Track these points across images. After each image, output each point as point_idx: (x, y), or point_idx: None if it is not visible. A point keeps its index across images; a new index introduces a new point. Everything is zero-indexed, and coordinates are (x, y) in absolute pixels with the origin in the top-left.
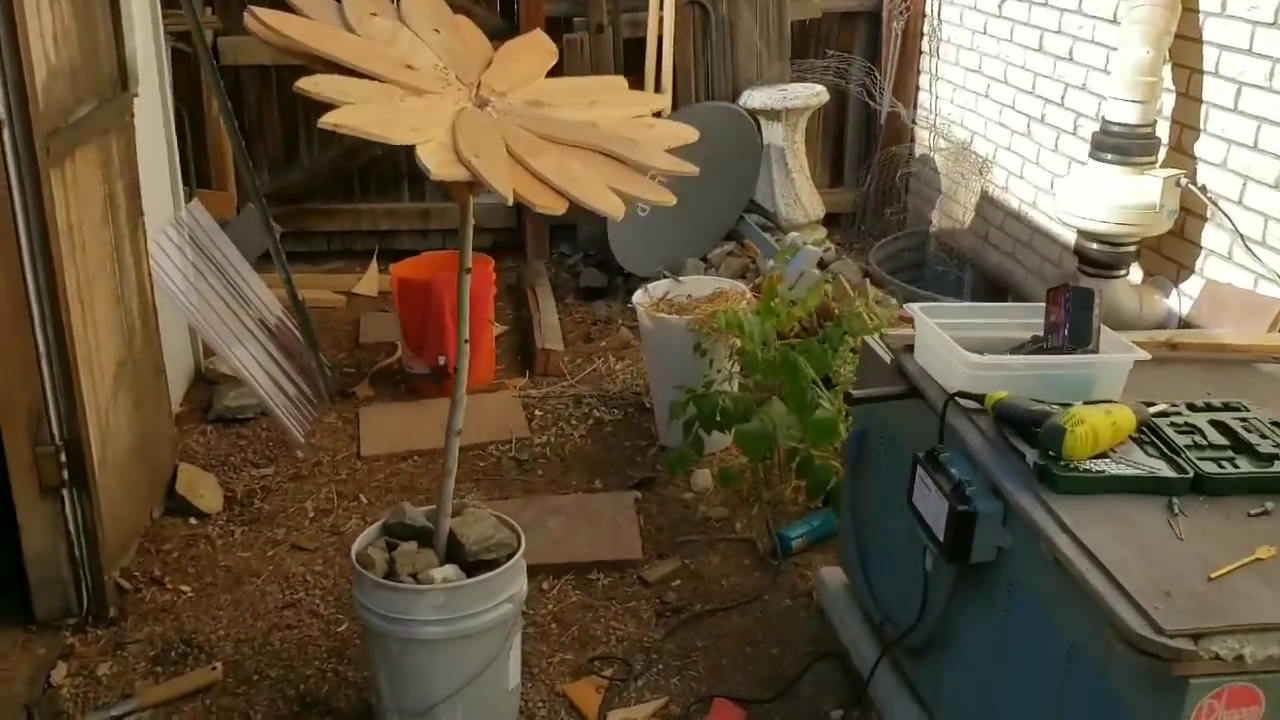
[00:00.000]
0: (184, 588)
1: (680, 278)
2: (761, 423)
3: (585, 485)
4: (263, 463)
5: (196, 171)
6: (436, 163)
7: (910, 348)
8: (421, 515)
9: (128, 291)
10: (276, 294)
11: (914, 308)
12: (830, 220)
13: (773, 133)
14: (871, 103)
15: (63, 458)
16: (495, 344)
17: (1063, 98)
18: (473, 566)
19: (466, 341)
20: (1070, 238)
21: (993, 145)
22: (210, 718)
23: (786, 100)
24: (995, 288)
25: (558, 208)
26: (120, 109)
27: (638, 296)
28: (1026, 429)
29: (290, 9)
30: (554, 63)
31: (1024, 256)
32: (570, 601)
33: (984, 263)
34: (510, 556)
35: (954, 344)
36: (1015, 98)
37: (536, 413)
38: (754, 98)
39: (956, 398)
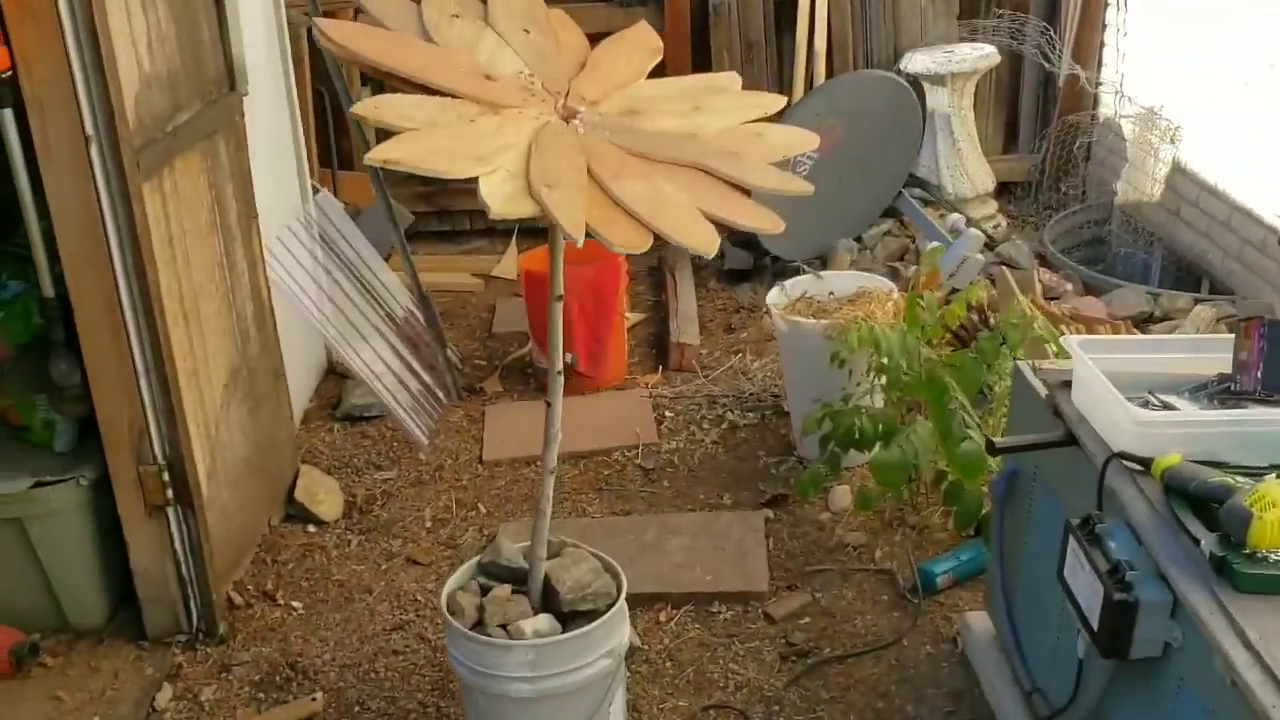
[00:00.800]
0: (295, 604)
1: (821, 273)
2: (901, 451)
3: (713, 500)
4: (386, 465)
5: (339, 152)
6: (500, 198)
7: (1068, 384)
8: (519, 553)
9: (240, 296)
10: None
11: (1072, 343)
12: (1003, 190)
13: (937, 98)
14: (1047, 64)
15: (166, 476)
16: (629, 335)
17: None
18: (569, 616)
19: (560, 373)
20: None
21: (1187, 110)
22: None
23: (952, 63)
24: (1187, 272)
25: (638, 245)
26: (228, 110)
27: (773, 296)
28: (1203, 506)
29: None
30: (657, 61)
31: (1221, 237)
32: (688, 637)
33: (1175, 242)
34: (610, 606)
35: (1118, 395)
36: (1218, 56)
37: (667, 414)
38: (917, 61)
39: (1118, 458)
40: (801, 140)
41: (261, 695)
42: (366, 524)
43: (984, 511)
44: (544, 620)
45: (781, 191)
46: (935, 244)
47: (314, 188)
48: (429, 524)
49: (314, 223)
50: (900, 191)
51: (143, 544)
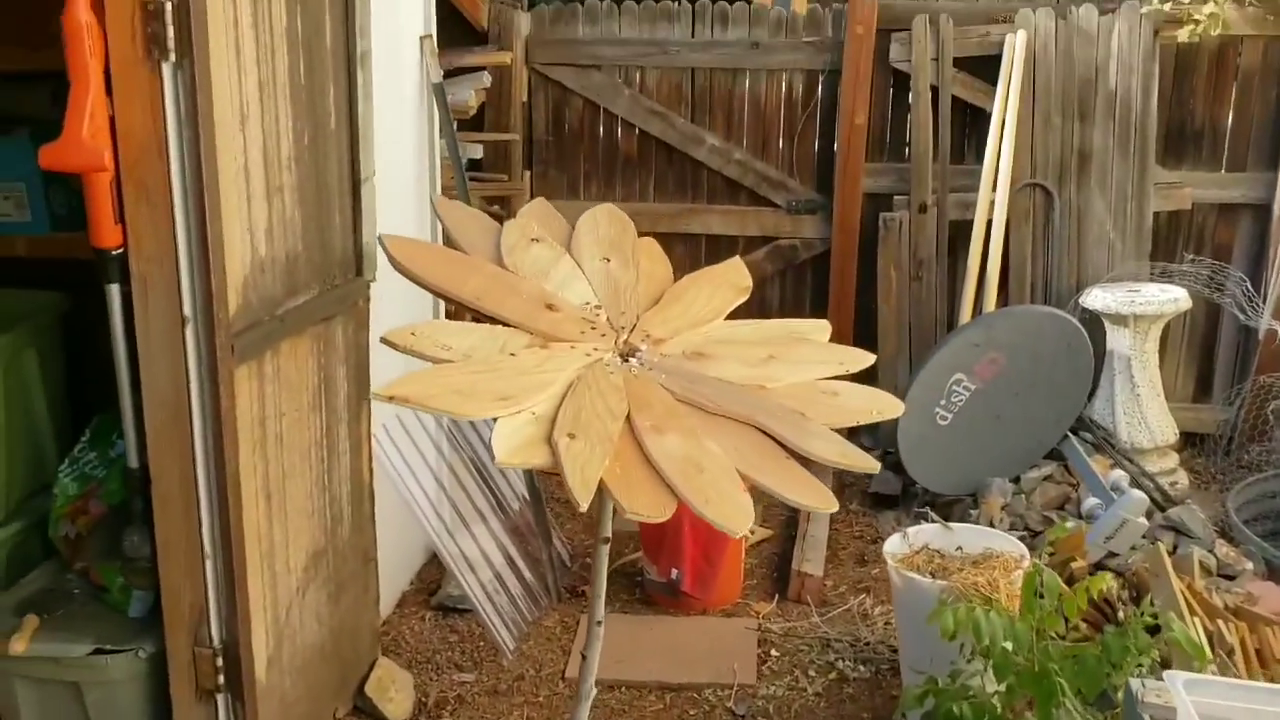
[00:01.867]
0: None
1: (950, 524)
2: None
3: None
4: (467, 666)
5: None
6: (508, 446)
7: None
8: None
9: (337, 477)
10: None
11: (1175, 681)
12: (1189, 442)
13: (1118, 339)
14: (1243, 317)
15: (220, 661)
16: (751, 553)
17: None
18: None
19: (599, 623)
20: None
21: None
22: None
23: (1137, 304)
24: None
25: (655, 514)
26: (351, 295)
27: (892, 543)
28: None
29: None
30: (742, 301)
31: None
32: None
33: None
34: None
35: None
36: None
37: (773, 653)
38: (1098, 298)
39: None
40: (886, 406)
41: None
42: None
43: None
44: None
45: (844, 466)
46: (1057, 526)
47: None
48: None
49: None
50: (1066, 434)
51: None
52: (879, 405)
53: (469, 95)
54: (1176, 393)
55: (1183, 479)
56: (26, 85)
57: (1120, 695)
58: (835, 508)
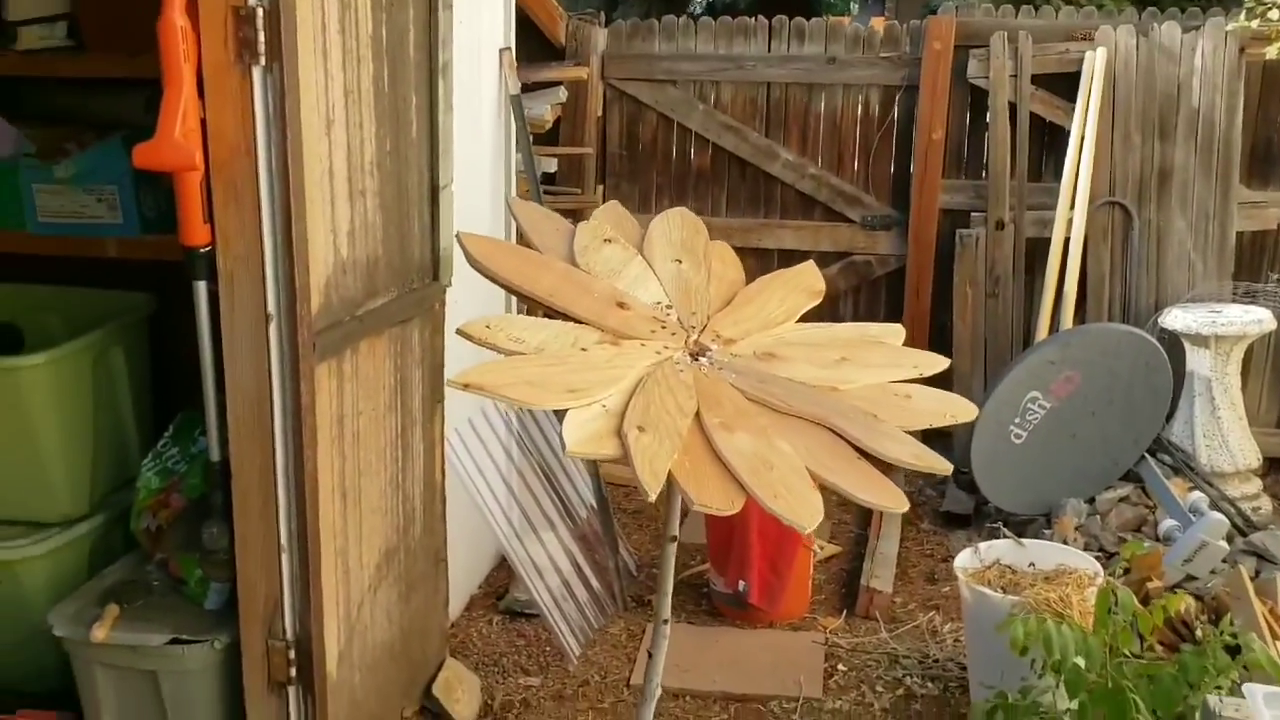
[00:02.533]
0: None
1: (1023, 540)
2: None
3: None
4: (533, 670)
5: None
6: (579, 436)
7: None
8: None
9: (411, 478)
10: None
11: (1255, 694)
12: (1273, 467)
13: (1198, 360)
14: None
15: (292, 654)
16: (820, 569)
17: None
18: None
19: (666, 622)
20: None
21: None
22: None
23: (1218, 325)
24: None
25: (725, 507)
26: (428, 298)
27: (963, 558)
28: None
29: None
30: (814, 304)
31: None
32: None
33: None
34: None
35: None
36: None
37: (840, 667)
38: (1177, 318)
39: None
40: (959, 409)
41: None
42: None
43: None
44: None
45: (916, 467)
46: (1131, 543)
47: None
48: None
49: (511, 409)
50: (1144, 456)
51: (261, 719)
52: (952, 409)
53: (545, 110)
54: (1260, 417)
55: (1266, 505)
56: (122, 91)
57: (1198, 717)
58: (906, 507)
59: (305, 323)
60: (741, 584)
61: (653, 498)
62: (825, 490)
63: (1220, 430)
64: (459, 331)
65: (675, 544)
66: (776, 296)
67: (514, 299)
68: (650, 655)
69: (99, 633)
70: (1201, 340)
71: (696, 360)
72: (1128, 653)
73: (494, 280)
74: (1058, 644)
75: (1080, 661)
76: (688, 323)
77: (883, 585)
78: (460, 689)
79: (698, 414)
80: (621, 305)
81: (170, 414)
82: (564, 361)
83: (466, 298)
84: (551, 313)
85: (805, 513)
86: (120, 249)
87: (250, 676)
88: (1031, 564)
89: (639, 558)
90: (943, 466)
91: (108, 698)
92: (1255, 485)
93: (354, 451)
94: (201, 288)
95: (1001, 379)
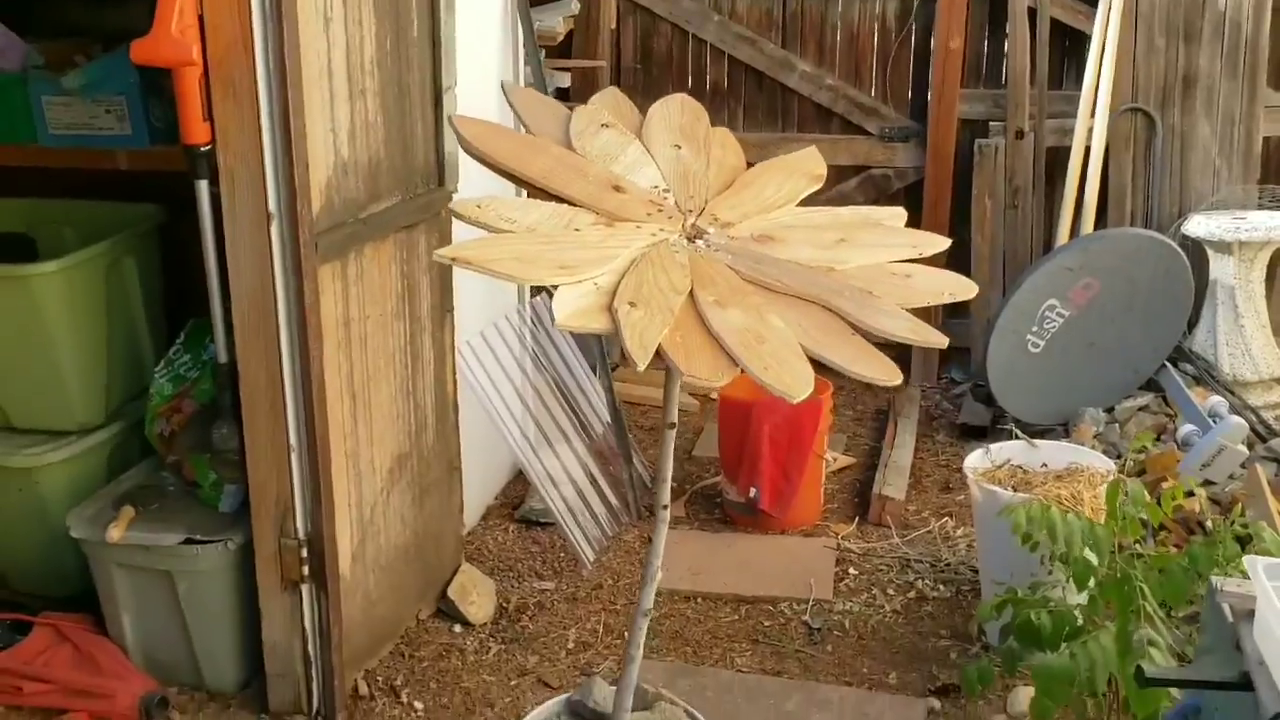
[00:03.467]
0: (417, 704)
1: (1035, 441)
2: (1072, 660)
3: (876, 676)
4: (547, 575)
5: None
6: (569, 309)
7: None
8: (612, 695)
9: (422, 385)
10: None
11: (1255, 565)
12: None
13: (1221, 267)
14: None
15: (304, 553)
16: (833, 479)
17: None
18: None
19: (665, 506)
20: None
21: None
22: None
23: (1242, 231)
24: None
25: (712, 378)
26: (433, 204)
27: (973, 459)
28: None
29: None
30: (815, 188)
31: None
32: None
33: None
34: None
35: None
36: None
37: (850, 570)
38: (1200, 224)
39: None
40: (958, 287)
41: None
42: (511, 634)
43: None
44: None
45: (913, 341)
46: (1141, 433)
47: (536, 288)
48: (571, 645)
49: (525, 324)
50: (1164, 364)
51: (275, 617)
52: (951, 286)
53: (557, 22)
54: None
55: None
56: (131, 4)
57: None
58: (899, 380)
59: (306, 222)
60: (753, 490)
61: (642, 368)
62: (837, 392)
63: (1243, 339)
64: (449, 210)
65: (674, 431)
66: (775, 181)
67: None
68: (650, 540)
69: (114, 533)
70: (1225, 247)
71: (693, 243)
72: (1137, 545)
73: (486, 163)
74: (1062, 532)
75: (1089, 555)
76: (685, 207)
77: (895, 493)
78: (475, 592)
79: (691, 292)
80: (617, 189)
81: (182, 324)
82: (556, 240)
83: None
84: (544, 195)
85: (794, 383)
86: (130, 160)
87: (264, 575)
88: (1044, 464)
89: (651, 470)
90: (937, 340)
91: (125, 598)
92: (1278, 394)
93: (361, 355)
94: (203, 187)
95: (1019, 286)
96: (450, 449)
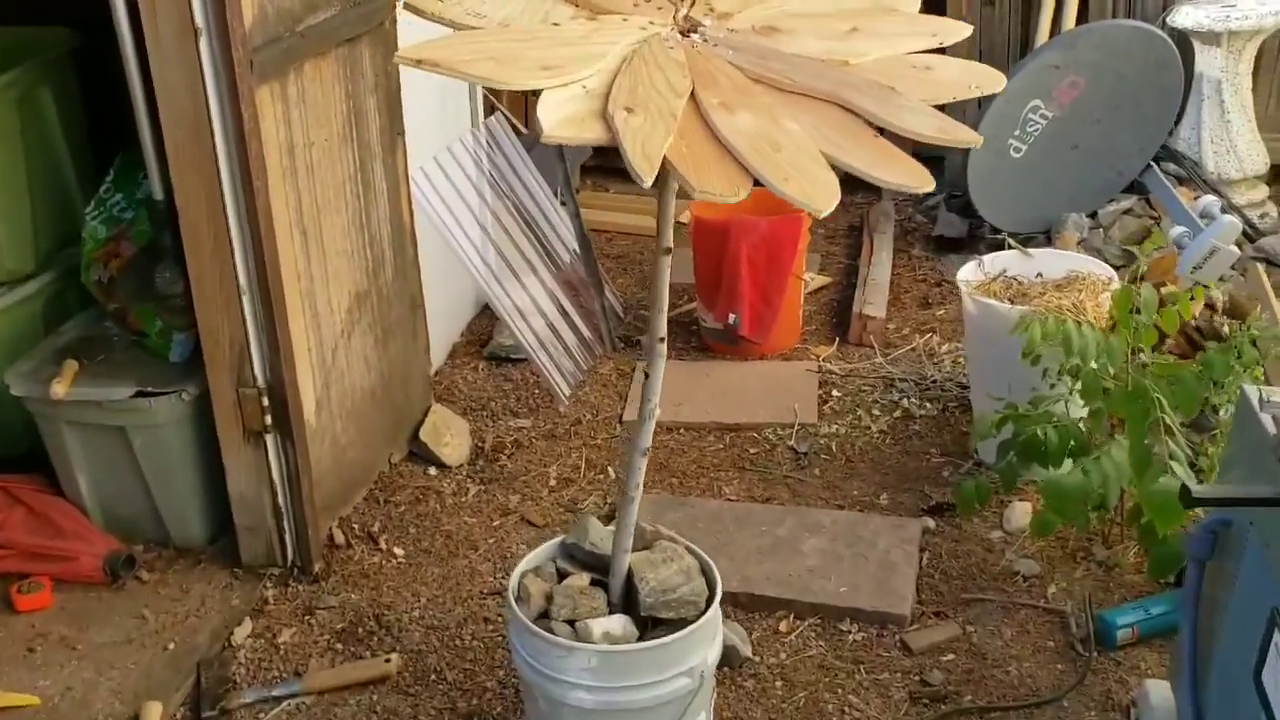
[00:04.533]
0: (397, 550)
1: (1030, 250)
2: (1084, 476)
3: (867, 498)
4: (523, 412)
5: None
6: (557, 117)
7: None
8: (608, 536)
9: (377, 218)
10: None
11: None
12: (1278, 175)
13: (1208, 60)
14: None
15: (265, 401)
16: (810, 300)
17: None
18: (649, 622)
19: (662, 340)
20: None
21: None
22: (373, 717)
23: (1231, 20)
24: None
25: (727, 192)
26: (375, 14)
27: (966, 271)
28: None
29: None
30: None
31: None
32: (807, 655)
33: None
34: (698, 617)
35: None
36: None
37: (834, 393)
38: (1187, 14)
39: None
40: (984, 79)
41: (340, 646)
42: (489, 474)
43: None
44: (618, 622)
45: (942, 141)
46: (1153, 235)
47: (490, 107)
48: (553, 483)
49: (481, 146)
50: (1150, 165)
51: (240, 470)
52: (977, 78)
53: None
54: (1265, 120)
55: (1272, 211)
56: None
57: (1222, 415)
58: (931, 185)
59: (239, 37)
60: (732, 316)
61: (648, 183)
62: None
63: (1229, 135)
64: (406, 6)
65: (669, 255)
66: None
67: None
68: (647, 375)
69: (58, 389)
70: (1213, 38)
71: (688, 37)
72: (1147, 355)
73: None
74: (1077, 344)
75: (1102, 364)
76: None
77: (875, 311)
78: (448, 433)
79: (693, 94)
80: None
81: (113, 160)
82: (534, 37)
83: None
84: None
85: (819, 194)
86: None
87: (224, 427)
88: (1039, 274)
89: (624, 300)
90: (969, 138)
91: (78, 457)
92: (1262, 192)
93: (309, 185)
94: (119, 2)
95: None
96: (411, 285)
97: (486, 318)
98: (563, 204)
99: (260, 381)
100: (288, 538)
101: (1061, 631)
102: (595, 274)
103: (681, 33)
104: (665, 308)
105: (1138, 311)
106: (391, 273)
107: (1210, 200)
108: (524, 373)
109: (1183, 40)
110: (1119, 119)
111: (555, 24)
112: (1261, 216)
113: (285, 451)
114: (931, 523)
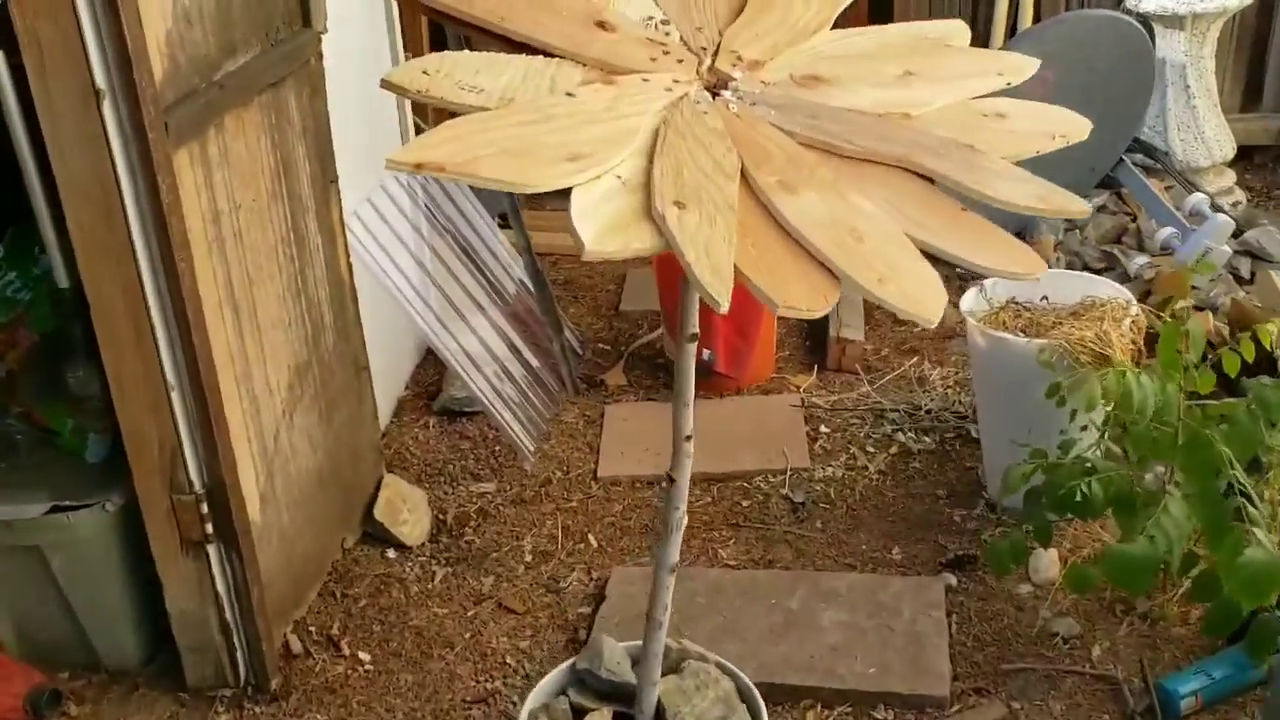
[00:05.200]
0: (362, 655)
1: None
2: (1150, 543)
3: (879, 552)
4: (485, 474)
5: None
6: (597, 228)
7: None
8: (625, 658)
9: (313, 277)
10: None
11: None
12: (1240, 156)
13: (1171, 45)
14: None
15: (204, 508)
16: (778, 324)
17: None
18: None
19: (688, 438)
20: None
21: None
22: None
23: (1196, 2)
24: None
25: (816, 305)
26: (300, 51)
27: (969, 300)
28: None
29: None
30: (848, 3)
31: None
32: None
33: None
34: None
35: None
36: None
37: (822, 429)
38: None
39: None
40: (1067, 125)
41: None
42: (456, 552)
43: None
44: None
45: (1044, 212)
46: (1166, 231)
47: (420, 130)
48: (529, 557)
49: (415, 178)
50: (1121, 159)
51: (179, 584)
52: (1058, 125)
53: None
54: (1223, 103)
55: (1240, 198)
56: None
57: (1273, 457)
58: (1046, 270)
59: (149, 96)
60: (706, 352)
61: (724, 307)
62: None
63: (1195, 121)
64: (384, 84)
65: (694, 342)
66: None
67: (401, 47)
68: (671, 479)
69: None
70: (1177, 21)
71: (719, 96)
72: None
73: (414, 4)
74: (1139, 399)
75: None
76: (695, 43)
77: (854, 334)
78: (405, 508)
79: (743, 172)
80: (602, 25)
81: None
82: (548, 114)
83: (349, 46)
84: (502, 45)
85: (926, 297)
86: None
87: (158, 539)
88: (1044, 297)
89: (580, 333)
90: (1079, 208)
91: None
92: (1229, 178)
93: (239, 255)
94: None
95: None
96: (354, 346)
97: (432, 364)
98: (515, 245)
99: (197, 486)
100: (239, 655)
101: (1114, 701)
102: (552, 309)
103: (710, 91)
104: (690, 401)
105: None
106: (333, 337)
107: (1199, 198)
108: (481, 427)
109: (1145, 24)
110: (1091, 114)
111: (569, 94)
112: (1234, 204)
113: (230, 561)
114: (953, 579)
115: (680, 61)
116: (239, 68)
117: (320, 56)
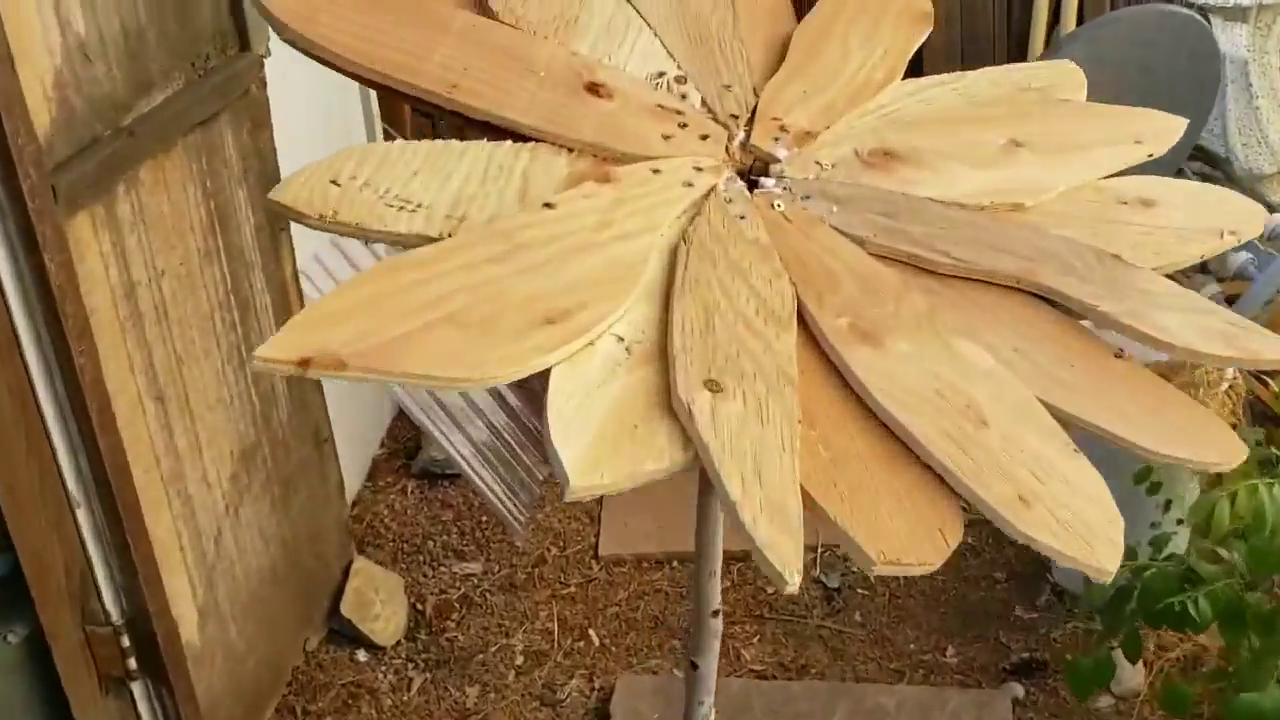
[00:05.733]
0: None
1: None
2: None
3: (930, 653)
4: (469, 552)
5: None
6: (583, 444)
7: None
8: None
9: (260, 345)
10: None
11: None
12: None
13: (1232, 39)
14: None
15: (126, 640)
16: None
17: None
18: None
19: (715, 614)
20: None
21: None
22: None
23: None
24: None
25: (929, 558)
26: (236, 80)
27: None
28: None
29: None
30: (921, 40)
31: None
32: None
33: None
34: None
35: None
36: None
37: None
38: None
39: None
40: (1240, 216)
41: None
42: (436, 653)
43: None
44: None
45: (1231, 362)
46: (1242, 256)
47: (389, 136)
48: (520, 660)
49: None
50: (1181, 169)
51: None
52: (1229, 217)
53: None
54: None
55: None
56: None
57: None
58: (1243, 458)
59: (29, 155)
60: None
61: (793, 585)
62: None
63: (1259, 123)
64: (273, 204)
65: (719, 619)
66: (859, 34)
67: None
68: (695, 666)
69: None
70: (1239, 13)
71: (758, 187)
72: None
73: (331, 64)
74: (1271, 519)
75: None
76: (722, 109)
77: None
78: (377, 600)
79: (800, 309)
80: (595, 90)
81: None
82: (516, 243)
83: (302, 70)
84: (462, 124)
85: (1101, 548)
86: None
87: (71, 677)
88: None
89: None
90: (1272, 355)
91: None
92: None
93: (162, 333)
94: None
95: None
96: (314, 416)
97: (408, 420)
98: None
99: (115, 616)
100: None
101: None
102: None
103: (747, 179)
104: (718, 569)
105: None
106: (287, 410)
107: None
108: (465, 493)
109: (1204, 17)
110: None
111: (548, 204)
112: None
113: (159, 698)
114: (1020, 690)
115: (704, 138)
116: (156, 107)
117: (263, 84)
